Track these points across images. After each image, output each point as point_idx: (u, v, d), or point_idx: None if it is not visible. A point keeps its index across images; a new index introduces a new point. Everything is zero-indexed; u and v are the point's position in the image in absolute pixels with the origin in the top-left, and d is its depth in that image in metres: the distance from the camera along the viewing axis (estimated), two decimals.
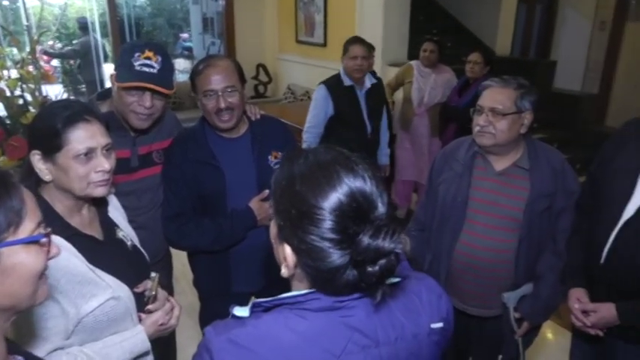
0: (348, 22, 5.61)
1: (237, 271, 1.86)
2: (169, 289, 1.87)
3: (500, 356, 1.90)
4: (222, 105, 1.71)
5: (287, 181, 0.81)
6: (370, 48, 3.34)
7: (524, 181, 1.74)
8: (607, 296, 1.58)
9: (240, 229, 1.80)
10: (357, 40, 3.21)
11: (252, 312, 0.83)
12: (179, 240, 1.85)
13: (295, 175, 0.80)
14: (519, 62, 6.80)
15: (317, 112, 3.26)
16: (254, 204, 1.79)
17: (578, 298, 1.65)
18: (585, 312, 1.62)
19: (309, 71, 6.50)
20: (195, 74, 1.74)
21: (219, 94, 1.70)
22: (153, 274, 1.36)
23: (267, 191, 1.77)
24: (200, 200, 1.84)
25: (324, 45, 6.15)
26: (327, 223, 0.75)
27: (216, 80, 1.70)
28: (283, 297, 0.82)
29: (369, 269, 0.73)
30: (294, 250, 0.79)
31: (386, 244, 0.72)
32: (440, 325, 0.87)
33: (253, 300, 0.83)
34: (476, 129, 1.75)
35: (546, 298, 1.77)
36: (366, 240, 0.73)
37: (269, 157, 1.85)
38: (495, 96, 1.71)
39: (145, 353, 1.27)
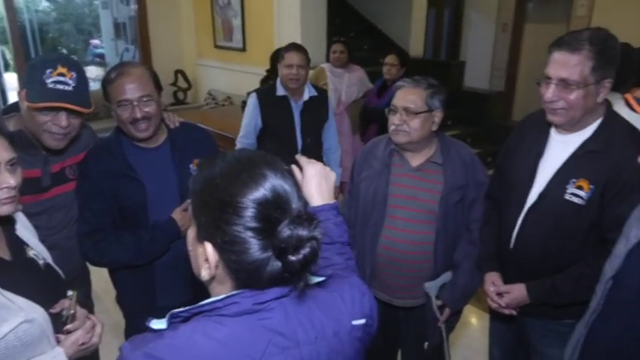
0: (266, 27, 5.62)
1: (162, 284, 1.81)
2: (89, 307, 1.77)
3: (426, 343, 1.98)
4: (139, 115, 1.64)
5: (207, 177, 0.81)
6: (308, 56, 2.97)
7: (438, 175, 1.84)
8: (518, 278, 1.70)
9: (163, 241, 1.75)
10: (293, 47, 2.88)
11: (169, 323, 0.82)
12: (98, 257, 1.76)
13: (215, 171, 0.81)
14: (432, 63, 7.15)
15: (247, 122, 2.98)
16: (177, 214, 1.75)
17: (492, 282, 1.77)
18: (500, 294, 1.73)
19: (229, 76, 6.43)
20: (107, 83, 1.66)
21: (135, 103, 1.64)
22: (70, 293, 1.29)
23: (189, 201, 1.74)
24: (120, 214, 1.76)
25: (244, 50, 6.11)
26: (250, 212, 0.76)
27: (131, 89, 1.63)
28: (201, 304, 0.81)
29: (292, 258, 0.75)
30: (217, 246, 0.79)
31: (305, 232, 0.75)
32: (362, 321, 0.90)
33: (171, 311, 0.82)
34: (391, 128, 1.82)
35: (464, 284, 1.88)
36: (286, 230, 0.75)
37: (190, 165, 1.81)
38: (407, 96, 1.80)
39: None
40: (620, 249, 1.27)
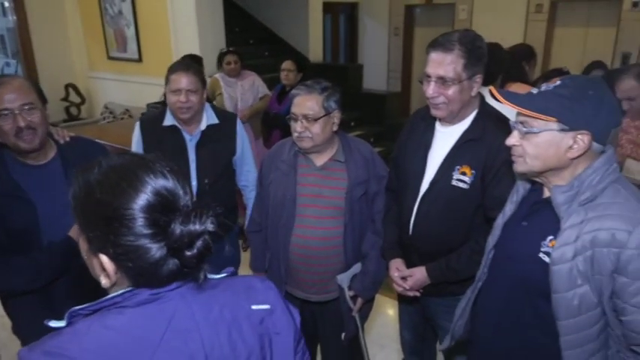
0: (162, 36, 5.48)
1: (63, 305, 1.71)
2: None
3: (343, 334, 2.07)
4: (22, 123, 1.56)
5: (86, 192, 0.80)
6: (201, 76, 2.24)
7: (342, 172, 1.93)
8: (419, 261, 1.83)
9: (61, 262, 1.65)
10: (180, 67, 2.17)
11: (69, 322, 0.81)
12: None
13: (93, 184, 0.80)
14: (331, 67, 7.37)
15: None
16: (74, 232, 1.67)
17: (397, 268, 1.88)
18: (404, 278, 1.85)
19: (126, 88, 6.17)
20: None
21: (16, 112, 1.56)
22: None
23: None
24: (7, 237, 1.64)
25: (140, 60, 5.90)
26: (139, 221, 0.76)
27: (10, 98, 1.55)
28: (101, 300, 0.81)
29: (188, 254, 0.77)
30: (112, 257, 0.79)
31: (197, 227, 0.77)
32: (265, 306, 0.93)
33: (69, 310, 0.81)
34: (295, 135, 1.88)
35: (373, 273, 1.98)
36: (178, 228, 0.77)
37: None
38: (305, 103, 1.86)
39: None
40: (498, 222, 1.43)
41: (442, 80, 1.62)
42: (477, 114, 1.71)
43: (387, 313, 3.30)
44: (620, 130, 3.01)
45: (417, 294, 1.85)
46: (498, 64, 2.44)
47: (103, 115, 6.20)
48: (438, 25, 7.39)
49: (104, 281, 0.82)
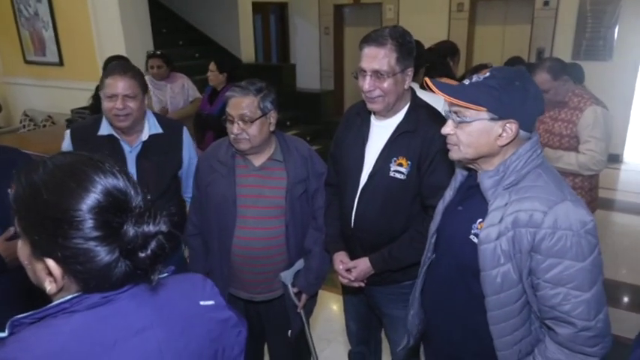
0: (84, 39, 5.22)
1: None
2: None
3: (289, 331, 2.08)
4: None
5: (31, 193, 0.76)
6: (141, 79, 2.07)
7: (281, 171, 1.94)
8: (362, 252, 1.87)
9: None
10: (117, 70, 1.97)
11: (11, 332, 0.77)
12: None
13: (38, 185, 0.76)
14: (264, 67, 7.36)
15: None
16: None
17: (341, 260, 1.92)
18: (348, 270, 1.89)
19: (48, 94, 5.84)
20: None
21: None
22: None
23: (12, 229, 1.58)
24: None
25: (61, 64, 5.60)
26: (89, 223, 0.74)
27: None
28: (46, 308, 0.77)
29: (142, 255, 0.76)
30: (59, 260, 0.76)
31: (151, 227, 0.76)
32: (210, 302, 0.94)
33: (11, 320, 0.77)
34: (231, 137, 1.87)
35: (316, 268, 2.01)
36: (131, 229, 0.75)
37: (9, 190, 1.64)
38: (240, 104, 1.84)
39: None
40: (439, 208, 1.51)
41: (377, 74, 1.67)
42: (410, 107, 1.78)
43: (331, 308, 3.35)
44: (537, 120, 3.24)
45: (362, 284, 1.90)
46: (419, 60, 2.56)
47: (22, 122, 5.83)
48: (366, 24, 7.58)
49: (49, 287, 0.78)
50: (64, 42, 5.52)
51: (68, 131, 2.10)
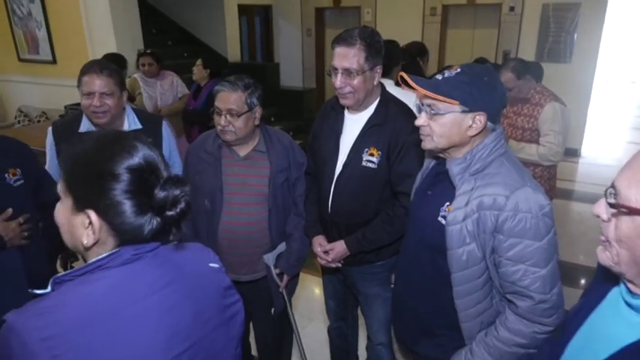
0: (77, 38, 5.16)
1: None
2: None
3: (272, 309, 2.12)
4: None
5: (79, 155, 0.85)
6: (119, 76, 2.00)
7: (264, 161, 1.96)
8: (338, 236, 1.92)
9: None
10: (94, 68, 1.93)
11: (53, 288, 0.82)
12: None
13: (87, 149, 0.85)
14: (250, 66, 7.34)
15: (49, 165, 2.08)
16: None
17: (319, 243, 1.97)
18: (326, 252, 1.94)
19: (41, 91, 5.75)
20: None
21: None
22: None
23: (10, 210, 1.60)
24: None
25: (54, 62, 5.51)
26: (128, 180, 0.82)
27: None
28: (84, 266, 0.83)
29: (171, 213, 0.84)
30: (99, 212, 0.82)
31: (177, 191, 0.84)
32: (216, 265, 1.03)
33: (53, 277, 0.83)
34: (218, 128, 1.88)
35: (297, 251, 2.05)
36: (161, 191, 0.84)
37: (6, 175, 1.65)
38: (228, 99, 1.85)
39: None
40: (412, 190, 1.56)
41: (348, 72, 1.71)
42: (379, 102, 1.83)
43: (312, 289, 3.40)
44: (502, 115, 3.32)
45: (339, 265, 1.95)
46: (393, 58, 2.61)
47: (17, 118, 5.73)
48: (346, 26, 7.42)
49: (86, 240, 0.83)
50: (56, 41, 5.43)
51: (50, 128, 2.07)
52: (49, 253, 1.92)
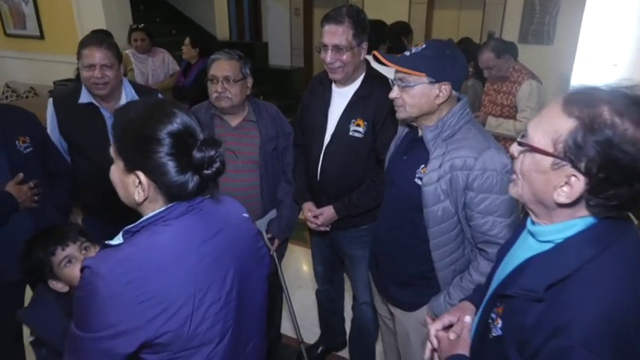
0: (65, 13, 5.12)
1: None
2: None
3: None
4: None
5: (126, 122, 0.96)
6: (116, 50, 2.07)
7: (254, 131, 2.07)
8: (327, 202, 2.05)
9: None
10: (93, 41, 2.01)
11: (125, 238, 0.96)
12: None
13: (132, 116, 0.96)
14: (238, 45, 7.36)
15: (51, 134, 2.09)
16: (11, 188, 1.68)
17: (309, 209, 2.10)
18: (316, 217, 2.07)
19: (29, 66, 5.71)
20: None
21: None
22: None
23: (21, 175, 1.70)
24: None
25: (42, 37, 5.48)
26: (170, 143, 0.93)
27: None
28: (146, 218, 0.97)
29: (207, 172, 0.96)
30: (147, 172, 0.94)
31: (212, 152, 0.95)
32: (247, 215, 1.18)
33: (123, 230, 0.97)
34: (214, 96, 1.98)
35: (287, 216, 2.18)
36: (198, 153, 0.95)
37: (17, 142, 1.74)
38: (224, 66, 1.96)
39: None
40: (387, 157, 1.71)
41: (337, 48, 1.82)
42: (365, 76, 1.95)
43: (300, 259, 3.56)
44: (483, 93, 3.47)
45: (327, 229, 2.09)
46: (379, 36, 2.73)
47: (5, 94, 5.70)
48: (334, 5, 7.48)
49: (138, 196, 0.96)
50: (44, 16, 5.39)
51: (51, 100, 2.13)
52: (63, 211, 2.02)
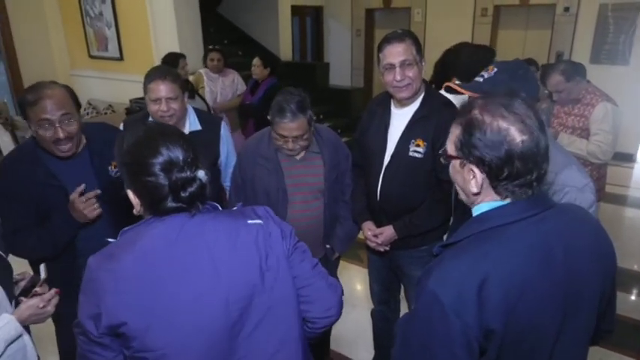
0: (142, 36, 5.54)
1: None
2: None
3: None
4: (61, 135, 1.66)
5: (123, 149, 1.10)
6: (179, 82, 2.11)
7: (319, 160, 2.11)
8: (386, 221, 2.07)
9: (66, 228, 1.76)
10: (158, 75, 2.05)
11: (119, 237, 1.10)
12: (25, 253, 1.79)
13: (126, 145, 1.10)
14: (301, 65, 7.57)
15: None
16: (74, 197, 1.76)
17: (369, 228, 2.12)
18: (375, 236, 2.08)
19: (108, 85, 6.20)
20: (27, 104, 1.65)
21: (56, 124, 1.65)
22: (42, 265, 1.49)
23: (83, 185, 1.76)
24: (37, 217, 1.76)
25: (121, 59, 5.94)
26: (157, 168, 1.04)
27: (51, 109, 1.63)
28: (138, 223, 1.10)
29: (182, 194, 1.05)
30: (136, 193, 1.09)
31: (187, 174, 1.04)
32: (258, 221, 1.17)
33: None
34: (286, 151, 2.01)
35: (348, 230, 2.23)
36: (174, 175, 1.04)
37: (109, 167, 1.86)
38: (293, 128, 1.94)
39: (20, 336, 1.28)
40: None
41: (405, 63, 1.86)
42: (424, 96, 1.97)
43: (355, 278, 3.55)
44: (552, 115, 3.35)
45: (387, 248, 2.10)
46: (454, 69, 2.68)
47: (86, 110, 6.21)
48: (395, 26, 7.53)
49: (135, 211, 1.12)
50: (124, 39, 5.85)
51: (122, 124, 2.27)
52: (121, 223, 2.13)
